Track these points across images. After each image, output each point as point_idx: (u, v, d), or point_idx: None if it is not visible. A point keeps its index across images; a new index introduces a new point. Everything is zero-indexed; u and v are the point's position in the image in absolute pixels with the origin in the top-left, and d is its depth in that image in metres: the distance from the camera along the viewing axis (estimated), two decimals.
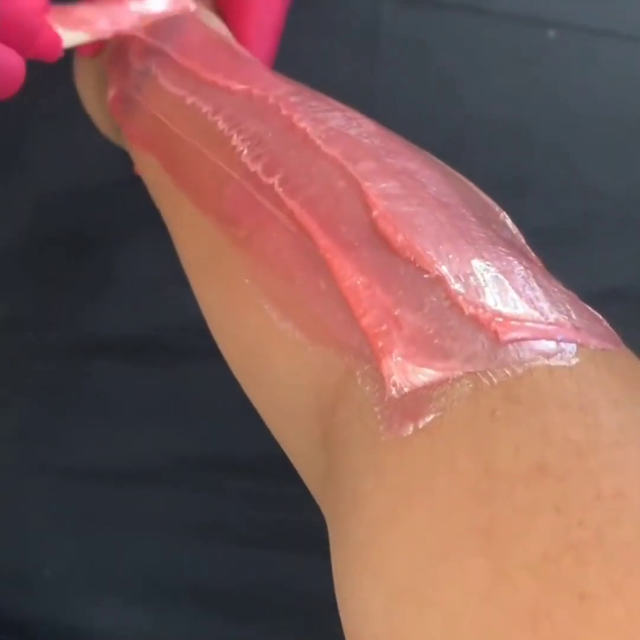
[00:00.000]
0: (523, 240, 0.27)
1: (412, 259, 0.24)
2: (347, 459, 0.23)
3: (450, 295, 0.23)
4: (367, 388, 0.22)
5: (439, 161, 0.29)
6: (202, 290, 0.32)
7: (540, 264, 0.26)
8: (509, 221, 0.27)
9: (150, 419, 0.47)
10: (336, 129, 0.29)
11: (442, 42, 0.48)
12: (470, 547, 0.18)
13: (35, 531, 0.48)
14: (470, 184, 0.28)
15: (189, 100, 0.34)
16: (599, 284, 0.45)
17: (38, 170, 0.50)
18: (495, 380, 0.21)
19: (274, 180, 0.28)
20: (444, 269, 0.23)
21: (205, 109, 0.33)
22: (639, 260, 0.45)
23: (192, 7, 0.39)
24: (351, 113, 0.31)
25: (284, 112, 0.31)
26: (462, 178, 0.29)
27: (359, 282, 0.24)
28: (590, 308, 0.24)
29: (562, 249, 0.43)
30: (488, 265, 0.23)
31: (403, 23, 0.49)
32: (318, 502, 0.27)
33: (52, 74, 0.44)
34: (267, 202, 0.28)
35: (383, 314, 0.23)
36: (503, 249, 0.24)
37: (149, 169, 0.36)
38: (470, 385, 0.21)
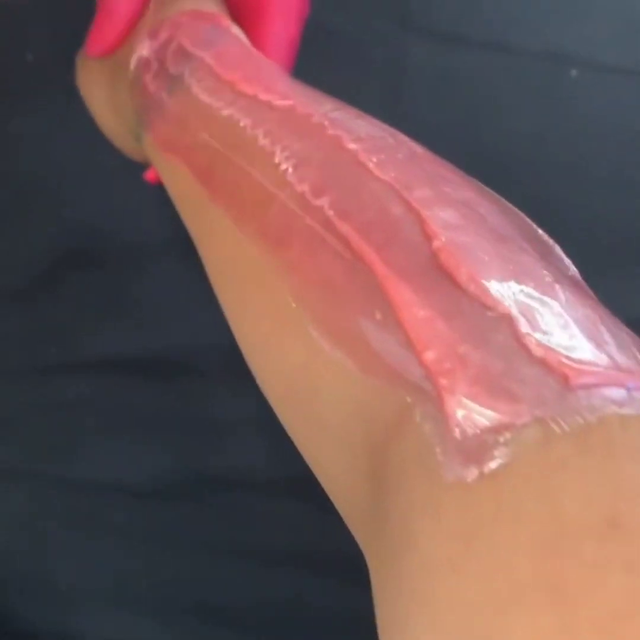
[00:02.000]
0: (579, 275, 0.26)
1: (476, 294, 0.23)
2: (401, 497, 0.22)
3: (517, 335, 0.22)
4: (427, 426, 0.22)
5: (492, 191, 0.29)
6: (238, 312, 0.31)
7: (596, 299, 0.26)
8: (563, 254, 0.27)
9: (165, 436, 0.48)
10: (387, 152, 0.29)
11: (467, 79, 0.49)
12: (536, 600, 0.18)
13: (51, 544, 0.48)
14: (522, 215, 0.28)
15: (226, 111, 0.33)
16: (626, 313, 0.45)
17: (61, 193, 0.51)
18: (565, 427, 0.20)
19: (323, 203, 0.27)
20: (511, 307, 0.22)
21: (244, 122, 0.32)
22: None
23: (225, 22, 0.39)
24: (400, 136, 0.31)
25: (330, 131, 0.30)
26: (515, 209, 0.28)
27: (420, 315, 0.23)
28: None
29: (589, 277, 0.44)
30: (554, 303, 0.23)
31: (430, 59, 0.50)
32: (354, 531, 0.26)
33: (78, 99, 0.45)
34: (317, 225, 0.27)
35: (446, 350, 0.22)
36: (568, 286, 0.24)
37: (178, 179, 0.35)
38: (540, 432, 0.20)
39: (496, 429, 0.20)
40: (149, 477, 0.48)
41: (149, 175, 0.41)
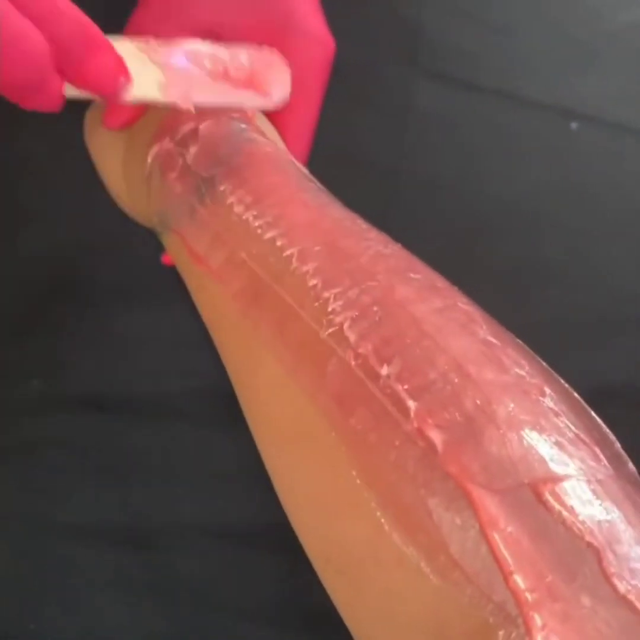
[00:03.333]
0: (635, 471, 0.27)
1: (566, 520, 0.23)
2: None
3: (604, 571, 0.22)
4: None
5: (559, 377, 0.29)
6: (286, 466, 0.29)
7: None
8: (621, 449, 0.27)
9: (151, 481, 0.47)
10: (452, 318, 0.28)
11: (471, 124, 0.49)
12: None
13: (28, 585, 0.47)
14: (582, 403, 0.28)
15: (268, 234, 0.31)
16: (598, 381, 0.47)
17: (52, 220, 0.48)
18: None
19: (391, 372, 0.26)
20: (596, 535, 0.22)
21: (289, 251, 0.30)
22: (638, 358, 0.48)
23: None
24: (465, 300, 0.30)
25: (381, 277, 0.29)
26: (579, 398, 0.28)
27: (508, 532, 0.23)
28: None
29: (566, 342, 0.46)
30: (631, 531, 0.23)
31: (435, 101, 0.49)
32: None
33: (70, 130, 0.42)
34: (385, 399, 0.26)
35: (534, 577, 0.22)
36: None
37: (211, 293, 0.33)
38: None
39: None
40: (127, 521, 0.48)
41: (166, 259, 0.39)
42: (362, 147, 0.47)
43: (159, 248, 0.41)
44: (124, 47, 0.32)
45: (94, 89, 0.32)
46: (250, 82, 0.36)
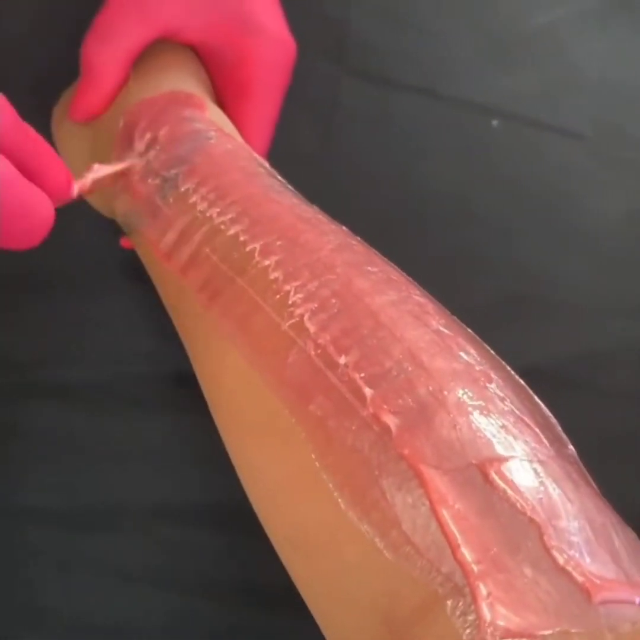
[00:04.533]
0: (576, 454, 0.28)
1: (510, 497, 0.24)
2: None
3: (545, 543, 0.24)
4: (458, 621, 0.23)
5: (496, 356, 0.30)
6: (249, 454, 0.30)
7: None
8: (562, 432, 0.28)
9: (104, 465, 0.47)
10: (407, 309, 0.29)
11: (394, 120, 0.51)
12: None
13: None
14: (530, 392, 0.29)
15: (231, 230, 0.32)
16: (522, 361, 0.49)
17: None
18: None
19: (348, 361, 0.27)
20: (540, 513, 0.24)
21: (251, 245, 0.31)
22: (563, 340, 0.49)
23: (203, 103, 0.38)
24: (402, 275, 0.31)
25: (339, 270, 0.30)
26: (522, 381, 0.29)
27: (456, 508, 0.24)
28: None
29: (494, 325, 0.47)
30: (571, 506, 0.24)
31: (360, 97, 0.50)
32: None
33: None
34: (343, 387, 0.27)
35: (480, 550, 0.23)
36: (585, 491, 0.25)
37: (176, 290, 0.34)
38: None
39: (525, 637, 0.22)
40: (82, 505, 0.48)
41: (125, 243, 0.40)
42: (291, 137, 0.49)
43: (111, 234, 0.41)
44: None
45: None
46: None
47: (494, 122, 0.52)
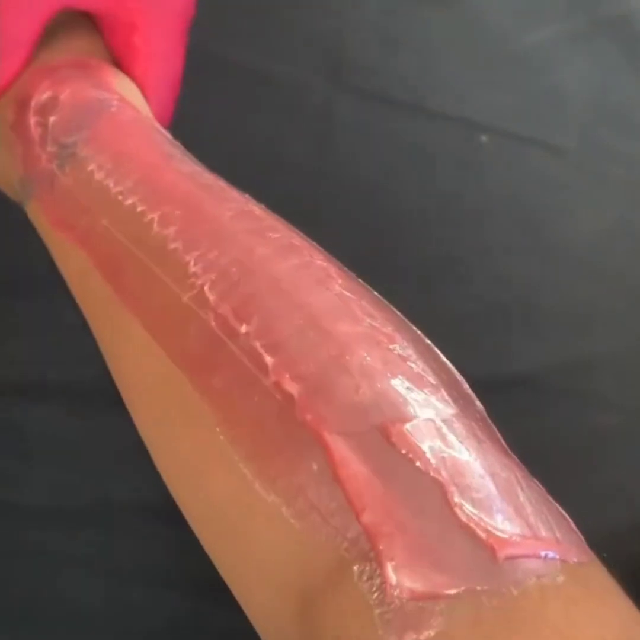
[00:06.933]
0: (484, 411, 0.27)
1: (410, 456, 0.24)
2: None
3: (448, 502, 0.23)
4: (365, 586, 0.22)
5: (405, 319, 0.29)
6: (158, 433, 0.29)
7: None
8: (469, 388, 0.27)
9: (101, 464, 0.48)
10: (309, 274, 0.28)
11: (387, 135, 0.52)
12: None
13: None
14: (432, 345, 0.28)
15: (129, 200, 0.31)
16: (507, 369, 0.50)
17: None
18: (494, 601, 0.21)
19: (249, 330, 0.27)
20: (441, 470, 0.23)
21: (150, 216, 0.30)
22: (546, 349, 0.51)
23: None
24: (306, 240, 0.30)
25: (241, 237, 0.29)
26: (428, 341, 0.28)
27: (359, 473, 0.23)
28: (560, 509, 0.25)
29: (479, 334, 0.49)
30: (476, 464, 0.24)
31: (354, 113, 0.52)
32: None
33: None
34: (244, 357, 0.26)
35: (384, 513, 0.23)
36: (489, 447, 0.25)
37: (75, 261, 0.32)
38: (471, 605, 0.21)
39: (431, 598, 0.22)
40: (59, 499, 0.48)
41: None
42: (284, 149, 0.50)
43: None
44: None
45: None
46: None
47: (483, 138, 0.53)
